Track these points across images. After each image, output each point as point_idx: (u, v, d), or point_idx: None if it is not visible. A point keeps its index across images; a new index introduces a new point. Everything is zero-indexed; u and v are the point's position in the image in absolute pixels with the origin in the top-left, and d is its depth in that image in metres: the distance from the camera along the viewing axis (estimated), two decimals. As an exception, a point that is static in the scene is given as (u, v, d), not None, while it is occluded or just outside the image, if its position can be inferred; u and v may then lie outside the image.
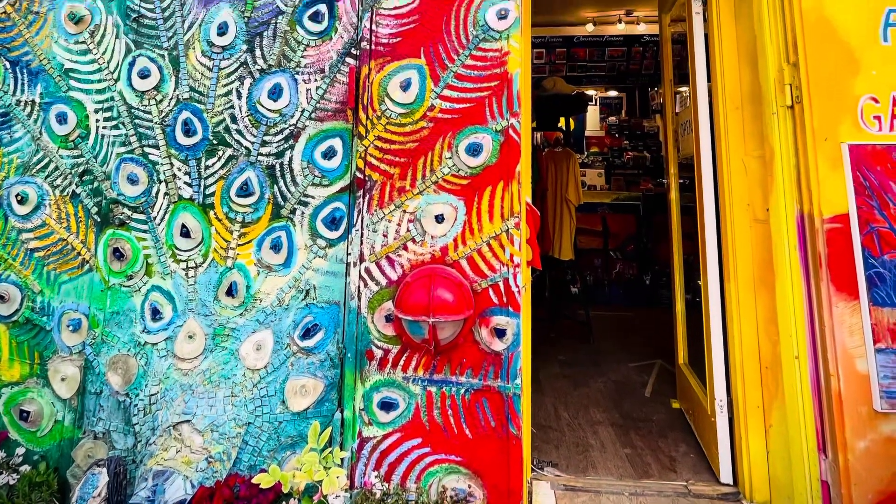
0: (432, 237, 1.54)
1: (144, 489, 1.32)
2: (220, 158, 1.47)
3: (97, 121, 1.51)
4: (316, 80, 1.47)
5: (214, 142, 1.49)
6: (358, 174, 1.57)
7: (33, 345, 1.60)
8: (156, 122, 1.48)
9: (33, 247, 1.48)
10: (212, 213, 1.46)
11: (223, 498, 1.22)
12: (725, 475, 1.64)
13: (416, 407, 1.42)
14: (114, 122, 1.50)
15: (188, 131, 1.46)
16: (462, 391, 1.44)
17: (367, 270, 1.50)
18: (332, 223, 1.55)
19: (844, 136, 1.54)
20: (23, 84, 1.52)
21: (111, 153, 1.50)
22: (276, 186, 1.46)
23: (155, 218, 1.46)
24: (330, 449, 1.38)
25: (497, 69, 1.59)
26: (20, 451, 1.50)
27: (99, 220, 1.48)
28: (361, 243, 1.49)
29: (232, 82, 1.48)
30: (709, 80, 1.73)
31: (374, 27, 1.48)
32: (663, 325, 2.49)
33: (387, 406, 1.43)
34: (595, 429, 1.96)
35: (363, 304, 1.48)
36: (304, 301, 1.40)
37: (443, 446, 1.41)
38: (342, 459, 1.38)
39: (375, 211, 1.56)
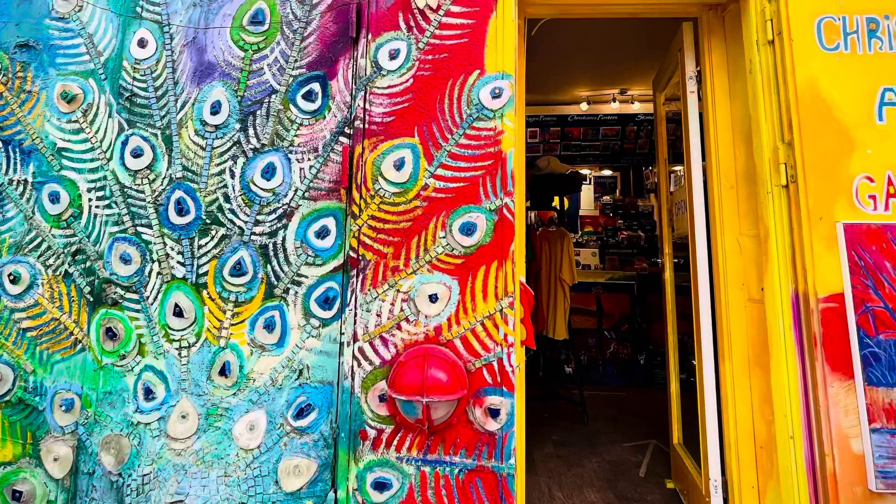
0: (426, 317, 1.84)
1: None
2: (213, 238, 1.80)
3: (90, 200, 1.80)
4: (309, 159, 1.80)
5: (207, 221, 1.76)
6: (352, 254, 1.86)
7: (26, 425, 1.87)
8: (149, 202, 1.82)
9: (26, 326, 1.83)
10: (205, 292, 1.79)
11: None
12: (722, 554, 1.93)
13: (410, 487, 1.65)
14: (107, 202, 1.77)
15: (181, 210, 1.82)
16: (456, 471, 1.69)
17: (361, 350, 1.74)
18: (326, 303, 1.74)
19: (839, 215, 1.89)
20: (15, 163, 1.88)
21: (104, 232, 1.81)
22: (269, 266, 1.77)
23: (148, 297, 1.82)
24: (324, 540, 1.68)
25: (491, 148, 1.91)
26: (11, 535, 1.28)
27: (91, 299, 1.82)
28: (355, 323, 1.72)
29: (225, 161, 1.81)
30: (703, 159, 2.10)
31: (367, 106, 1.81)
32: (658, 405, 2.90)
33: (380, 486, 1.65)
34: (590, 510, 2.34)
35: (357, 383, 1.72)
36: (298, 381, 1.73)
37: (437, 534, 1.23)
38: (336, 550, 1.70)
39: (369, 290, 1.85)
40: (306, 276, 2.04)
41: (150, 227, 2.14)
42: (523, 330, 2.12)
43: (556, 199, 4.50)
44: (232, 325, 2.01)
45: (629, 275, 5.19)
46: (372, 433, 1.84)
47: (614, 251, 5.31)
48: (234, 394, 1.97)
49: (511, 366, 1.89)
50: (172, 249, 2.12)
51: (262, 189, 2.11)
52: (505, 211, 2.05)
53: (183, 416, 1.95)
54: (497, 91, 2.09)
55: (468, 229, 2.05)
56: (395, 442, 1.86)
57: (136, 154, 2.10)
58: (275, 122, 2.10)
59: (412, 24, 2.08)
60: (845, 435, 1.80)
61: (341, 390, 1.92)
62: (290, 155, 2.11)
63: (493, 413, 1.87)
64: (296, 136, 2.11)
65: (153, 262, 2.12)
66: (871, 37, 2.11)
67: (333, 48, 2.07)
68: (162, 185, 2.13)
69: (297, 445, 1.88)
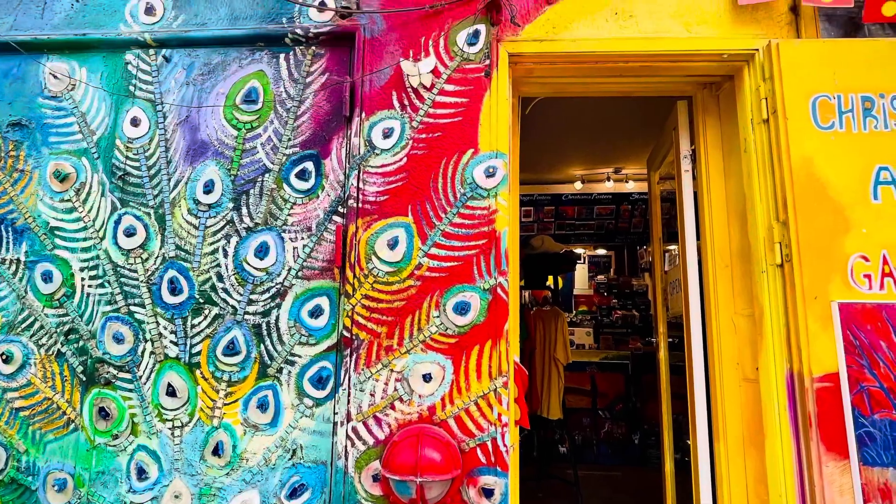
0: (420, 396, 2.37)
1: None
2: (206, 317, 2.38)
3: (82, 279, 2.39)
4: (303, 238, 2.37)
5: (201, 300, 2.35)
6: (345, 333, 2.40)
7: (17, 505, 2.02)
8: (142, 281, 2.40)
9: (18, 406, 2.40)
10: (198, 372, 2.36)
11: None
12: None
13: (406, 569, 2.06)
14: (99, 281, 2.37)
15: (174, 290, 2.39)
16: (451, 552, 1.91)
17: (355, 430, 2.29)
18: (319, 382, 2.34)
19: (834, 294, 2.38)
20: (8, 242, 2.45)
21: (97, 312, 2.39)
22: (262, 345, 2.34)
23: (141, 377, 2.39)
24: None
25: (485, 227, 2.48)
26: None
27: (84, 379, 2.39)
28: (348, 402, 2.28)
29: (218, 240, 2.38)
30: (698, 238, 2.65)
31: (361, 185, 2.37)
32: (653, 485, 3.46)
33: (376, 568, 1.91)
34: (583, 591, 2.94)
35: (350, 463, 2.25)
36: (291, 461, 2.30)
37: None
38: None
39: (363, 370, 2.39)
40: (300, 356, 2.54)
41: (143, 306, 2.65)
42: (517, 409, 2.58)
43: (551, 278, 5.29)
44: (225, 404, 2.50)
45: (623, 354, 6.26)
46: (366, 514, 1.92)
47: (609, 330, 6.22)
48: (227, 474, 2.45)
49: (505, 446, 2.33)
50: (165, 329, 2.62)
51: (255, 268, 2.61)
52: (499, 290, 2.51)
53: (176, 496, 2.43)
54: (491, 170, 2.57)
55: (462, 308, 2.50)
56: (389, 523, 1.93)
57: (129, 233, 2.64)
58: (268, 201, 2.64)
59: (406, 102, 2.64)
60: (840, 515, 1.85)
61: (335, 470, 2.37)
62: (283, 234, 2.63)
63: (487, 493, 2.31)
64: (289, 215, 2.64)
65: (146, 341, 2.62)
66: (866, 115, 2.57)
67: (327, 127, 2.64)
68: (155, 264, 2.65)
69: (291, 527, 1.95)
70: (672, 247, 3.93)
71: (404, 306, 2.55)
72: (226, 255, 2.58)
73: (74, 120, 2.45)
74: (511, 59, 2.36)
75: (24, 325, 2.63)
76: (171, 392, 2.51)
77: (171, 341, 2.57)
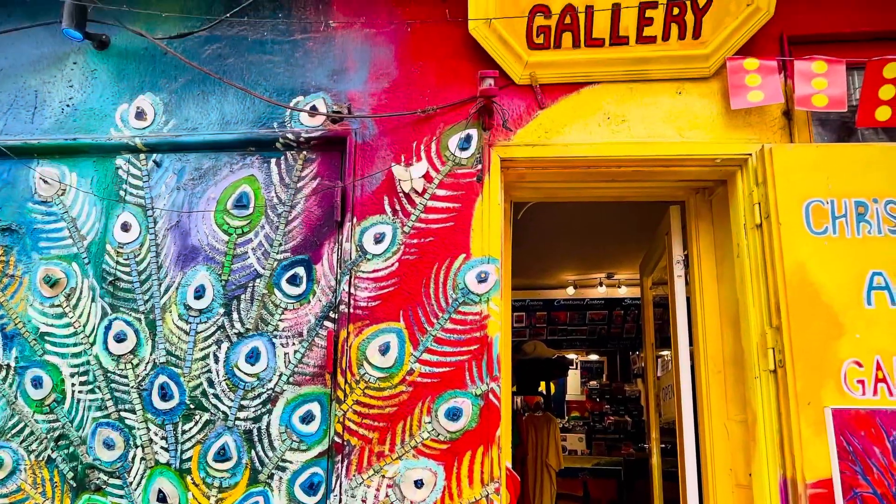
0: (411, 503, 3.36)
1: None
2: (196, 423, 3.38)
3: (73, 385, 3.46)
4: (294, 343, 3.38)
5: (191, 406, 3.43)
6: (336, 439, 3.46)
7: None
8: (132, 387, 3.40)
9: None
10: (189, 478, 3.37)
11: None
12: None
13: None
14: (90, 387, 3.47)
15: (165, 395, 3.39)
16: None
17: None
18: (311, 488, 3.39)
19: (828, 400, 3.24)
20: None
21: (87, 417, 3.43)
22: (253, 451, 3.36)
23: (131, 483, 3.38)
24: None
25: (477, 332, 3.50)
26: None
27: (75, 485, 3.42)
28: None
29: (209, 346, 3.41)
30: (691, 343, 3.65)
31: (352, 290, 3.40)
32: None
33: None
34: None
35: None
36: None
37: None
38: None
39: (354, 476, 3.42)
40: (291, 462, 3.48)
41: (133, 412, 3.60)
42: (510, 517, 3.57)
43: (543, 383, 6.63)
44: (216, 512, 3.50)
45: (616, 460, 7.65)
46: None
47: (601, 436, 7.63)
48: (217, 583, 3.49)
49: (497, 554, 3.35)
50: (156, 435, 3.57)
51: (246, 374, 3.59)
52: (491, 396, 3.41)
53: None
54: (483, 275, 3.53)
55: (454, 414, 3.40)
56: None
57: (120, 339, 3.68)
58: (259, 306, 3.65)
59: (397, 207, 3.65)
60: None
61: (326, 580, 3.41)
62: (274, 339, 3.62)
63: None
64: (280, 320, 3.64)
65: (137, 447, 3.56)
66: (859, 221, 3.42)
67: (318, 232, 3.70)
68: (145, 369, 3.66)
69: None
70: (665, 352, 5.00)
71: (396, 412, 3.43)
72: (217, 361, 3.60)
73: (65, 225, 3.52)
74: (503, 164, 3.38)
75: (13, 431, 3.64)
76: (162, 498, 3.49)
77: (162, 447, 3.55)
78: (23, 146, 3.71)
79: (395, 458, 3.38)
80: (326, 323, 3.55)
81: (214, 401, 3.56)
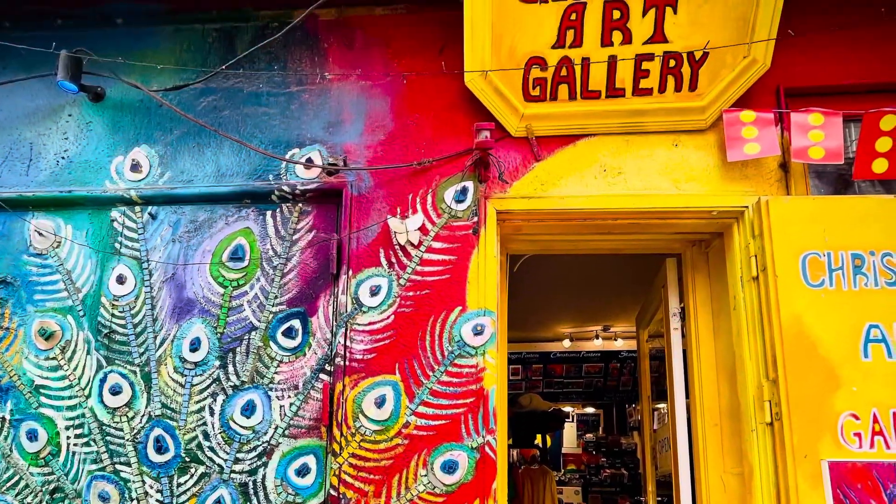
0: None
1: None
2: (192, 476, 3.47)
3: (68, 438, 3.55)
4: (289, 396, 3.43)
5: (187, 459, 3.52)
6: (332, 492, 3.67)
7: None
8: (127, 439, 3.48)
9: None
10: None
11: None
12: None
13: None
14: (85, 439, 3.57)
15: (160, 448, 3.45)
16: None
17: None
18: None
19: (824, 453, 3.34)
20: None
21: (82, 470, 3.51)
22: None
23: None
24: None
25: (473, 385, 3.70)
26: None
27: None
28: None
29: (205, 399, 3.47)
30: (687, 396, 3.72)
31: (348, 343, 3.47)
32: None
33: None
34: None
35: None
36: None
37: None
38: None
39: None
40: (286, 516, 4.04)
41: (128, 465, 3.69)
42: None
43: (539, 436, 6.69)
44: (210, 566, 4.04)
45: None
46: None
47: (597, 489, 7.78)
48: None
49: None
50: (151, 488, 3.66)
51: (241, 427, 3.71)
52: (487, 449, 3.50)
53: None
54: (479, 328, 3.65)
55: (450, 467, 3.48)
56: None
57: (115, 391, 3.82)
58: (255, 359, 3.81)
59: (393, 260, 3.81)
60: None
61: None
62: (270, 392, 3.75)
63: None
64: (276, 373, 3.78)
65: (132, 500, 3.63)
66: (856, 273, 3.49)
67: (314, 284, 3.63)
68: (141, 422, 3.78)
69: None
70: (661, 405, 5.13)
71: (392, 465, 3.53)
72: (212, 414, 3.84)
73: (60, 277, 3.63)
74: (499, 217, 3.48)
75: (9, 484, 3.79)
76: (156, 553, 3.39)
77: (158, 500, 3.67)
78: (18, 199, 3.87)
79: (391, 511, 3.79)
80: (322, 375, 3.69)
81: (210, 453, 3.72)
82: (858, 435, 3.31)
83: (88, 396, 3.78)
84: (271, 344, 3.74)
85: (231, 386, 3.72)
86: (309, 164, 3.84)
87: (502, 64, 3.67)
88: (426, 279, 3.72)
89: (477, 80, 3.72)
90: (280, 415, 3.67)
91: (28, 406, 3.83)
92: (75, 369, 3.82)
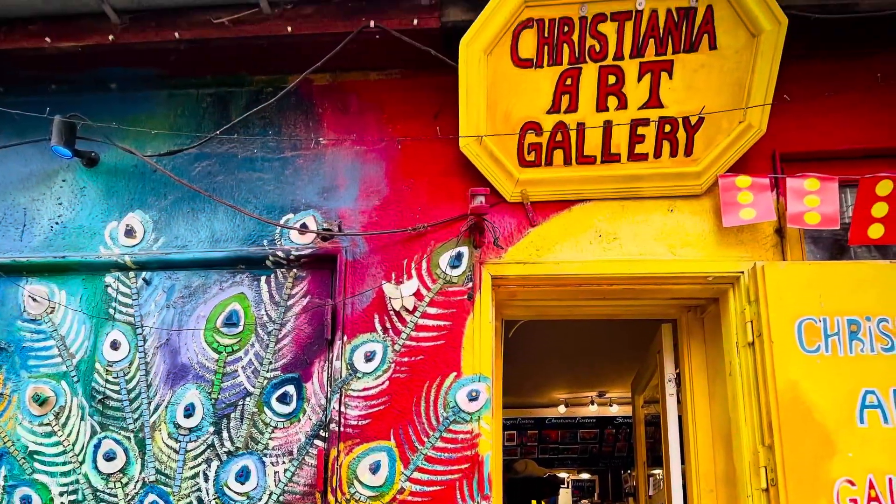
0: None
1: None
2: None
3: (62, 503, 3.52)
4: (284, 462, 3.48)
5: None
6: None
7: None
8: None
9: None
10: None
11: None
12: None
13: None
14: None
15: None
16: None
17: None
18: None
19: None
20: None
21: None
22: None
23: None
24: None
25: (468, 451, 3.87)
26: None
27: None
28: None
29: (199, 464, 3.53)
30: (682, 462, 3.71)
31: (343, 409, 3.50)
32: None
33: None
34: None
35: None
36: None
37: None
38: None
39: None
40: (280, 583, 4.77)
41: None
42: None
43: (534, 502, 6.68)
44: None
45: None
46: None
47: None
48: None
49: None
50: None
51: (236, 493, 3.80)
52: (482, 515, 4.68)
53: None
54: (474, 394, 3.74)
55: None
56: None
57: (109, 457, 3.94)
58: (249, 424, 3.96)
59: (388, 325, 4.17)
60: None
61: None
62: (264, 458, 3.85)
63: None
64: (270, 439, 3.89)
65: (125, 568, 4.80)
66: (852, 339, 3.54)
67: (308, 350, 3.60)
68: (135, 488, 3.87)
69: None
70: (657, 471, 5.25)
71: None
72: (206, 480, 3.85)
73: (54, 343, 3.67)
74: (494, 282, 3.52)
75: None
76: None
77: None
78: (11, 264, 4.01)
79: (386, 577, 3.68)
80: (317, 441, 3.81)
81: (203, 520, 3.68)
82: (854, 501, 3.36)
83: (82, 462, 3.97)
84: (266, 410, 3.92)
85: (225, 452, 3.90)
86: (303, 229, 4.03)
87: (497, 129, 3.77)
88: (421, 345, 3.88)
89: (472, 145, 3.97)
90: (275, 481, 3.83)
91: (22, 472, 4.02)
92: (69, 435, 4.01)
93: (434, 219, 3.93)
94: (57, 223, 4.11)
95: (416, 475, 3.52)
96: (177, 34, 3.91)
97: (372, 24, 3.75)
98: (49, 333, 3.98)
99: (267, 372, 3.82)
